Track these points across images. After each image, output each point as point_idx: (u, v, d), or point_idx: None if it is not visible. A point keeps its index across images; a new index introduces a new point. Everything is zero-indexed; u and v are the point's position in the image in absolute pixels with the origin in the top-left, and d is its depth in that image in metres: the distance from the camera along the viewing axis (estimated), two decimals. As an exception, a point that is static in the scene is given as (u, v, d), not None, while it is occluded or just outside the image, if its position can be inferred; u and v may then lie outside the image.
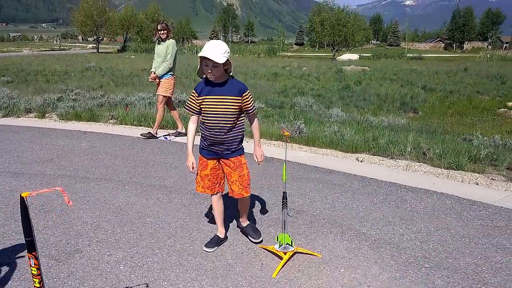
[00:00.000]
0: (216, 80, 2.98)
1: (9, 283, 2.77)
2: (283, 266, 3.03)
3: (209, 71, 2.90)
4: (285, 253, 3.11)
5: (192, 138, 3.17)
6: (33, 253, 1.80)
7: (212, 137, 3.07)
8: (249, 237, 3.42)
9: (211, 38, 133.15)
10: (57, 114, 9.20)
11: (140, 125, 8.12)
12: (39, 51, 61.40)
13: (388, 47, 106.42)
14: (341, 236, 3.53)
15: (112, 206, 4.07)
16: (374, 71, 26.98)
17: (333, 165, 5.58)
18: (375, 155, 6.14)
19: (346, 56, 53.68)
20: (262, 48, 74.59)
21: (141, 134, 7.02)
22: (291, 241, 3.15)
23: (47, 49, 70.36)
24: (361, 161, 5.81)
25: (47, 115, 9.27)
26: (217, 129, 3.04)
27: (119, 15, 78.81)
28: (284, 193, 3.23)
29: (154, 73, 6.77)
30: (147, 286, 2.77)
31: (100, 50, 66.39)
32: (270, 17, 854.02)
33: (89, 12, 66.85)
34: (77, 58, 36.02)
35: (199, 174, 3.23)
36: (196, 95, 3.06)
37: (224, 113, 3.01)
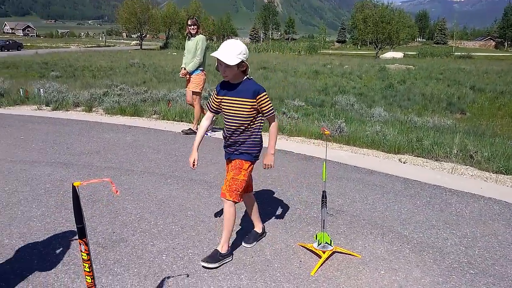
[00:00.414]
0: (232, 81, 2.90)
1: (59, 267, 2.92)
2: (321, 265, 3.02)
3: (223, 71, 2.83)
4: (323, 252, 3.10)
5: (201, 134, 3.05)
6: (84, 239, 1.89)
7: (227, 138, 3.01)
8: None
9: (251, 35, 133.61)
10: (103, 108, 9.54)
11: (182, 121, 8.28)
12: (85, 47, 63.83)
13: (434, 45, 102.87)
14: (382, 237, 3.47)
15: (155, 199, 4.19)
16: (420, 70, 26.22)
17: (375, 165, 5.48)
18: (419, 156, 5.98)
19: (389, 54, 52.45)
20: (303, 45, 74.09)
21: (181, 131, 7.16)
22: (330, 240, 3.13)
23: (93, 45, 73.02)
24: (403, 162, 5.68)
25: (94, 109, 9.63)
26: (231, 130, 2.96)
27: (162, 12, 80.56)
28: (324, 192, 3.21)
29: (185, 69, 6.88)
30: (187, 276, 2.84)
31: (143, 47, 68.20)
32: (311, 14, 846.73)
33: (133, 9, 68.79)
34: (121, 55, 37.20)
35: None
36: (216, 93, 3.01)
37: (237, 115, 2.91)
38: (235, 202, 2.98)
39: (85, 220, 1.93)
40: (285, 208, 4.06)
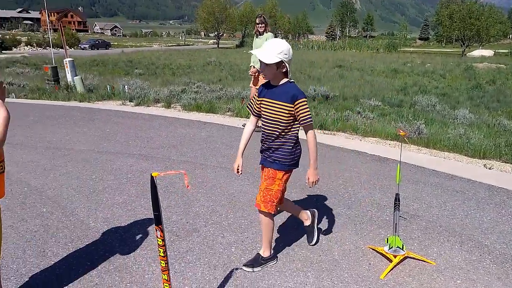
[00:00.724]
0: (272, 82, 2.76)
1: (138, 251, 3.12)
2: (392, 269, 2.92)
3: (262, 70, 2.71)
4: (395, 256, 2.99)
5: (245, 139, 2.94)
6: (160, 226, 2.01)
7: (262, 141, 2.87)
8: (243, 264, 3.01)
9: (327, 33, 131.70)
10: (181, 105, 9.98)
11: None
12: (166, 46, 67.01)
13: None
14: (460, 246, 3.27)
15: (226, 193, 4.31)
16: None
17: (456, 170, 5.17)
18: (507, 162, 5.53)
19: (478, 52, 48.99)
20: (382, 43, 71.69)
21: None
22: (402, 245, 3.02)
23: (174, 44, 76.43)
24: (489, 168, 5.29)
25: (172, 105, 10.11)
26: (265, 134, 2.83)
27: (239, 11, 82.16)
28: (397, 195, 3.10)
29: (254, 67, 6.92)
30: (253, 271, 2.90)
31: (220, 46, 70.05)
32: (392, 10, 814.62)
33: (211, 9, 70.95)
34: (199, 53, 38.55)
35: None
36: (257, 95, 2.89)
37: (273, 118, 2.75)
38: (271, 213, 2.87)
39: (161, 209, 2.04)
40: (356, 209, 3.97)
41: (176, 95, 11.13)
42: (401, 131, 3.19)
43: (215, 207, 3.95)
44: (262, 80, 6.97)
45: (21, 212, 3.76)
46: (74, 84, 12.07)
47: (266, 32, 6.79)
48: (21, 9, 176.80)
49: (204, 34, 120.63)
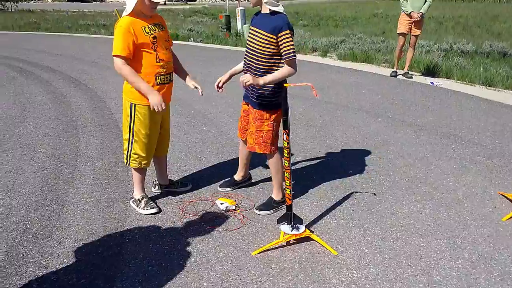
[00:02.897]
0: (258, 7, 2.64)
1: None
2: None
3: None
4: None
5: (241, 65, 2.89)
6: (286, 130, 2.40)
7: (245, 73, 2.63)
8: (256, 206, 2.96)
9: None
10: (337, 54, 10.10)
11: (412, 69, 8.07)
12: (336, -2, 65.61)
13: None
14: None
15: (361, 133, 4.50)
16: None
17: None
18: None
19: None
20: None
21: (403, 75, 7.23)
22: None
23: (343, -4, 74.13)
24: None
25: (328, 54, 10.30)
26: (245, 65, 2.72)
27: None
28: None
29: (418, 12, 6.69)
30: (374, 195, 3.13)
31: (392, -2, 65.44)
32: None
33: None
34: (367, 5, 36.97)
35: None
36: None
37: (255, 49, 2.61)
38: (271, 153, 2.80)
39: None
40: (498, 159, 3.80)
41: (334, 45, 11.25)
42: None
43: (347, 141, 4.20)
44: (414, 30, 6.76)
45: (187, 128, 4.61)
46: (243, 32, 13.12)
47: None
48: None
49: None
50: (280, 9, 2.57)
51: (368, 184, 3.32)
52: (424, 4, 6.66)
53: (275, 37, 2.53)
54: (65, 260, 2.33)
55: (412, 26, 6.83)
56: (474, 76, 7.06)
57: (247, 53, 2.70)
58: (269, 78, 2.56)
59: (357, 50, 10.18)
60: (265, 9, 2.60)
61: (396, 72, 7.38)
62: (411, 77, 7.19)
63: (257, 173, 3.48)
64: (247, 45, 2.71)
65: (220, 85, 2.86)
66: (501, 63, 9.22)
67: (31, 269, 2.26)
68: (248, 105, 2.85)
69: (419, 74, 7.69)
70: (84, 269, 2.26)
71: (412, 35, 6.97)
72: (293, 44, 2.54)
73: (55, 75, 7.20)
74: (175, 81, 2.81)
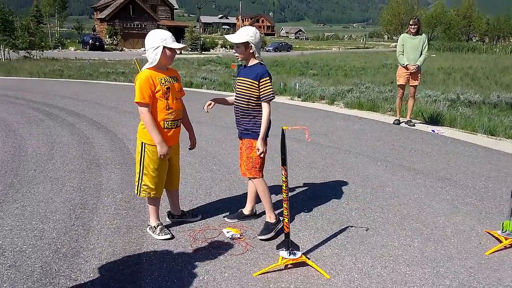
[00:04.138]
0: (245, 62, 3.23)
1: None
2: (500, 249, 3.10)
3: (235, 50, 3.19)
4: (506, 239, 3.15)
5: (223, 98, 3.50)
6: (284, 166, 2.77)
7: (236, 115, 3.28)
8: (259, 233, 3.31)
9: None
10: (344, 102, 10.59)
11: (416, 118, 8.45)
12: (345, 49, 67.69)
13: None
14: None
15: (360, 175, 4.84)
16: None
17: None
18: None
19: None
20: None
21: (406, 123, 7.59)
22: (515, 230, 3.14)
23: (353, 47, 76.52)
24: None
25: (335, 102, 10.79)
26: (239, 108, 3.22)
27: (427, 13, 77.47)
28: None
29: (408, 64, 7.22)
30: (367, 230, 3.43)
31: (401, 49, 67.02)
32: None
33: (397, 10, 68.65)
34: (376, 56, 38.15)
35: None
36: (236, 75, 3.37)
37: (243, 93, 3.17)
38: (258, 177, 3.26)
39: (287, 154, 2.79)
40: (488, 201, 4.09)
41: (341, 94, 11.77)
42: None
43: (351, 186, 4.53)
44: (411, 81, 7.26)
45: (198, 167, 5.01)
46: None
47: (419, 34, 7.19)
48: (221, 15, 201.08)
49: (388, 37, 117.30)
50: (260, 60, 3.21)
51: (363, 220, 3.63)
52: (420, 56, 7.18)
53: (257, 82, 3.12)
54: (91, 275, 2.67)
55: (410, 77, 7.32)
56: (478, 125, 7.38)
57: (236, 98, 3.25)
58: (263, 131, 3.14)
59: (363, 99, 10.67)
60: (252, 62, 3.20)
61: (399, 120, 7.79)
62: (414, 125, 7.58)
63: (261, 207, 3.81)
64: (236, 92, 3.26)
65: (210, 107, 3.36)
66: (508, 113, 9.56)
67: (62, 281, 2.60)
68: (241, 139, 3.32)
69: (422, 122, 8.08)
70: (107, 283, 2.59)
71: (411, 85, 7.44)
72: (271, 87, 3.14)
73: (79, 118, 7.76)
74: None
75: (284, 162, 2.78)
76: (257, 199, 3.61)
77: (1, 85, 12.89)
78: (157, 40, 2.96)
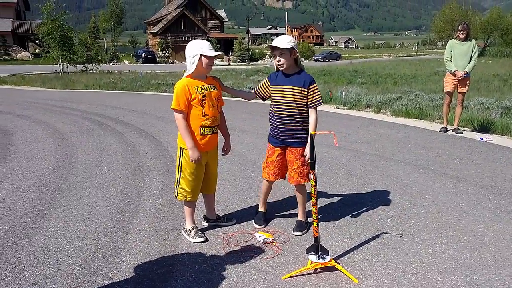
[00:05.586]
0: (287, 70, 3.22)
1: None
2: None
3: (277, 59, 3.17)
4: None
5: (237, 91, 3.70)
6: (313, 171, 2.81)
7: (280, 124, 3.29)
8: (293, 230, 3.49)
9: None
10: (391, 110, 10.37)
11: (466, 126, 8.13)
12: (396, 56, 66.05)
13: None
14: None
15: (400, 182, 4.74)
16: None
17: None
18: None
19: None
20: None
21: (453, 130, 7.34)
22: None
23: (404, 55, 74.54)
24: None
25: (382, 110, 10.60)
26: (285, 117, 3.24)
27: (483, 18, 74.24)
28: None
29: (462, 71, 6.98)
30: (401, 237, 3.37)
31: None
32: None
33: (450, 17, 66.31)
34: (428, 63, 36.92)
35: (266, 160, 3.50)
36: (269, 83, 3.37)
37: (290, 101, 3.20)
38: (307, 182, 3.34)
39: (316, 159, 2.83)
40: (533, 210, 3.87)
41: (388, 102, 11.53)
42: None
43: (389, 194, 4.45)
44: (460, 88, 7.03)
45: (237, 173, 5.12)
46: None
47: (469, 39, 6.99)
48: (270, 26, 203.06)
49: (442, 44, 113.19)
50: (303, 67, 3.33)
51: (398, 227, 3.57)
52: (469, 63, 6.94)
53: (306, 90, 3.21)
54: (127, 274, 2.82)
55: (458, 84, 7.08)
56: (532, 133, 7.05)
57: (282, 107, 3.26)
58: (311, 129, 3.24)
59: (411, 107, 10.39)
60: (294, 69, 3.27)
61: (446, 128, 7.54)
62: (461, 133, 7.31)
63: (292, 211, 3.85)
64: (280, 101, 3.27)
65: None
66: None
67: (99, 279, 2.77)
68: (284, 149, 3.39)
69: (471, 130, 7.77)
70: (141, 282, 2.73)
71: (459, 92, 7.20)
72: (320, 93, 3.26)
73: (128, 127, 8.16)
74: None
75: (313, 166, 2.82)
76: (290, 205, 3.67)
77: (59, 97, 13.79)
78: (195, 49, 3.10)
